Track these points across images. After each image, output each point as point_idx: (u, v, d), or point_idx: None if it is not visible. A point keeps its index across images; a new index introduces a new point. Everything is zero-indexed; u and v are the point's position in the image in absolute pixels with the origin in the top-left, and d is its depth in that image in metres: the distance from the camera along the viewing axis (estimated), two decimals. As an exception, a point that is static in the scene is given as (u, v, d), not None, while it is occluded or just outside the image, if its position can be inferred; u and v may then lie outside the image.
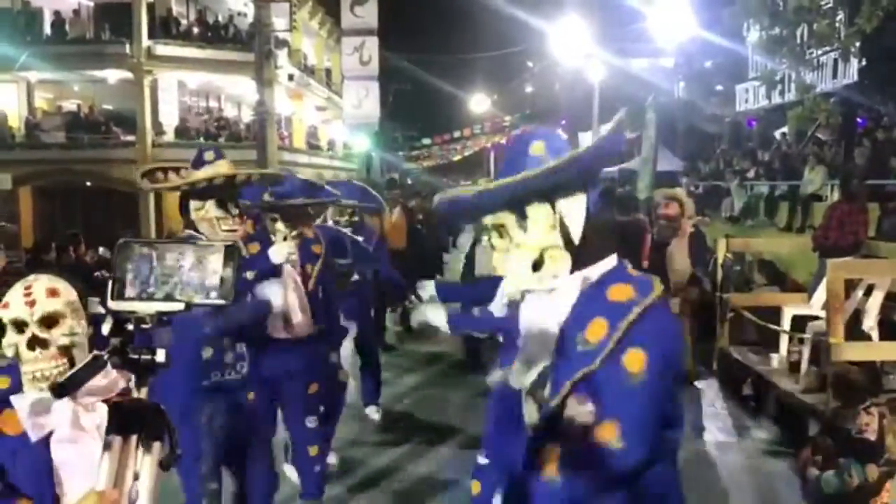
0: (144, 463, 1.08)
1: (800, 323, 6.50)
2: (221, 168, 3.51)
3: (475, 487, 3.08)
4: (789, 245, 10.34)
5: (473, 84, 44.95)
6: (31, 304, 2.04)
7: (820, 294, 6.43)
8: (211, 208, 3.47)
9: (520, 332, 2.09)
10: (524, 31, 30.74)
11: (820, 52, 14.49)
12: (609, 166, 2.35)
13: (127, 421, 1.09)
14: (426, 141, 42.45)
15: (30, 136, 22.84)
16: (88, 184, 22.48)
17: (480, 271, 7.40)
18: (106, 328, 1.08)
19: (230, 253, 1.11)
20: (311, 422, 4.39)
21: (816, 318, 6.27)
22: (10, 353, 2.02)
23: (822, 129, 16.47)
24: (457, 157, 46.76)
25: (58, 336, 2.04)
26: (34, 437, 2.00)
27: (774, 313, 7.07)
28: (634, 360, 1.79)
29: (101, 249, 12.99)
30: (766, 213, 15.72)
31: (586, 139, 28.51)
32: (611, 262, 1.98)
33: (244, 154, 18.20)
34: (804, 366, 6.09)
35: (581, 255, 1.96)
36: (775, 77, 15.96)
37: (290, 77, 24.48)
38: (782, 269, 9.10)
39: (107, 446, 1.08)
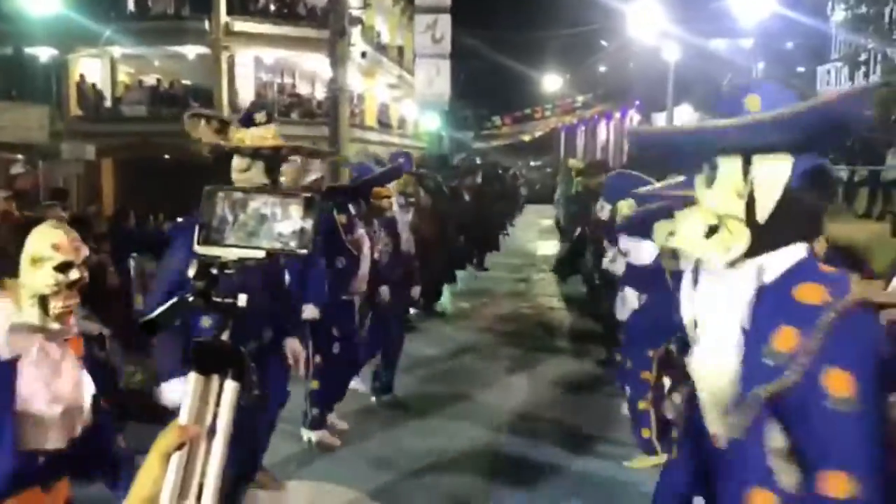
0: (223, 401, 1.15)
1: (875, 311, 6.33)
2: (269, 134, 3.42)
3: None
4: (868, 231, 10.04)
5: (545, 63, 44.54)
6: (77, 249, 2.26)
7: (898, 281, 6.25)
8: (257, 173, 3.39)
9: (683, 316, 1.84)
10: (599, 10, 30.26)
11: (909, 31, 13.93)
12: (840, 138, 2.40)
13: (207, 361, 1.16)
14: (496, 120, 42.28)
15: (113, 110, 23.60)
16: (167, 157, 23.11)
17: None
18: (192, 271, 1.15)
19: (310, 204, 1.17)
20: None
21: (893, 305, 6.09)
22: (48, 290, 2.17)
23: (908, 113, 15.84)
24: (527, 138, 46.44)
25: (84, 278, 2.27)
26: (3, 356, 2.17)
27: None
28: (837, 381, 1.53)
29: (178, 220, 13.38)
30: (844, 199, 15.23)
31: (660, 120, 28.01)
32: (799, 252, 1.69)
33: (317, 130, 18.46)
34: (878, 354, 5.93)
35: (763, 237, 1.67)
36: (859, 58, 15.42)
37: (364, 55, 24.61)
38: (859, 255, 8.86)
39: (189, 384, 1.15)
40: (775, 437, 1.61)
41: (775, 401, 1.58)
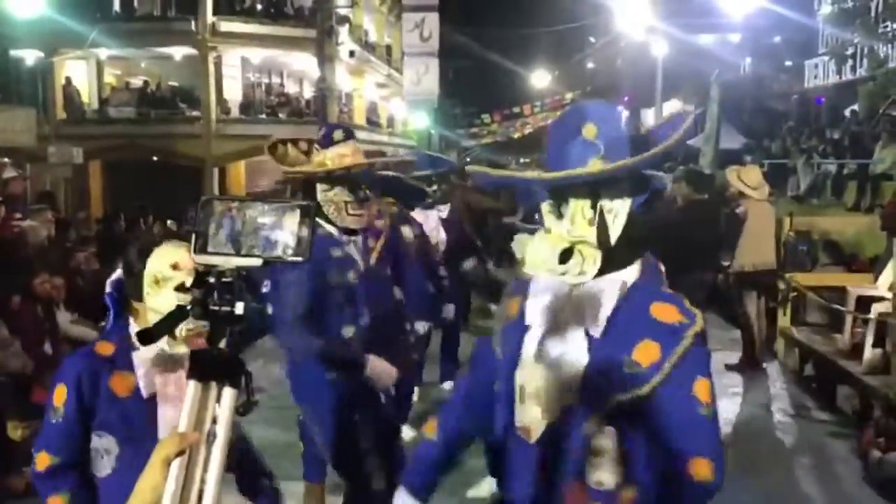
0: (222, 408, 1.16)
1: (865, 304, 6.38)
2: (348, 151, 3.38)
3: None
4: (856, 224, 10.11)
5: (534, 60, 44.60)
6: (190, 271, 2.14)
7: (887, 274, 6.30)
8: (341, 192, 3.33)
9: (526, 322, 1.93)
10: (587, 6, 30.33)
11: (895, 25, 14.00)
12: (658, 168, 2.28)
13: (206, 368, 1.16)
14: (485, 118, 42.25)
15: (100, 112, 23.50)
16: (155, 158, 23.03)
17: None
18: (189, 280, 1.15)
19: (306, 212, 1.17)
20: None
21: (882, 298, 6.14)
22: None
23: (895, 106, 15.95)
24: (516, 135, 46.46)
25: None
26: (146, 394, 2.15)
27: (839, 294, 6.95)
28: (703, 390, 1.77)
29: (168, 222, 13.33)
30: (833, 193, 15.32)
31: (649, 116, 28.08)
32: (637, 268, 1.88)
33: (305, 130, 18.41)
34: (868, 347, 5.98)
35: (615, 257, 1.84)
36: (846, 52, 15.50)
37: (351, 53, 24.63)
38: (848, 248, 8.91)
39: (188, 391, 1.16)
40: (603, 438, 1.80)
41: (632, 405, 1.78)
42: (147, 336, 1.15)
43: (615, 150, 1.81)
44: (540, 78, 44.24)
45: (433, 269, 5.43)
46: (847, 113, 18.77)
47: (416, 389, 5.28)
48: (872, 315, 6.03)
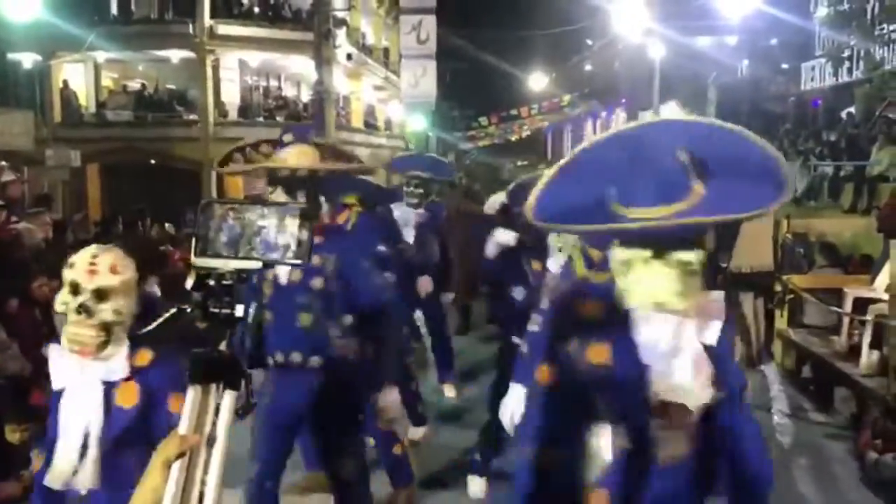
0: (222, 410, 1.17)
1: (862, 305, 6.39)
2: (294, 152, 3.40)
3: None
4: (853, 226, 10.13)
5: (531, 62, 44.55)
6: (93, 273, 2.16)
7: (884, 276, 6.30)
8: (279, 193, 3.38)
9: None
10: (584, 9, 30.33)
11: (891, 27, 14.03)
12: None
13: (206, 371, 1.17)
14: (483, 120, 42.25)
15: (97, 115, 23.48)
16: (153, 162, 23.01)
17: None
18: (189, 283, 1.16)
19: (305, 215, 1.18)
20: None
21: (879, 300, 6.15)
22: (60, 308, 2.17)
23: (892, 108, 15.97)
24: (514, 137, 46.48)
25: (105, 310, 2.15)
26: (56, 387, 2.20)
27: (836, 295, 6.96)
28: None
29: (166, 225, 13.33)
30: (830, 195, 15.35)
31: (645, 119, 28.07)
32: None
33: (303, 133, 18.36)
34: (865, 349, 5.99)
35: (706, 275, 1.85)
36: (843, 54, 15.53)
37: (349, 56, 24.61)
38: (845, 250, 8.93)
39: (188, 394, 1.17)
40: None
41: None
42: (149, 339, 1.16)
43: (709, 174, 1.70)
44: (537, 80, 44.22)
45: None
46: (843, 115, 18.81)
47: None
48: (869, 317, 6.05)
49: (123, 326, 2.16)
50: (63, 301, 2.18)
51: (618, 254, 1.81)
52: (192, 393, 1.16)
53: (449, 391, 6.66)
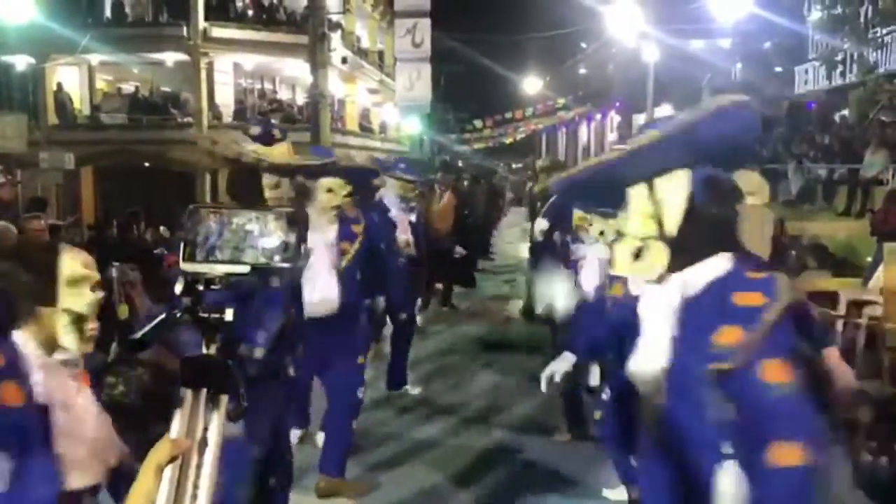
0: (213, 415, 1.16)
1: (855, 308, 6.40)
2: (265, 151, 3.45)
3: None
4: (847, 229, 10.15)
5: (526, 65, 44.59)
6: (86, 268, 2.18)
7: (877, 279, 6.32)
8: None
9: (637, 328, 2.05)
10: (578, 12, 30.36)
11: (884, 30, 14.09)
12: (732, 150, 1.96)
13: (197, 375, 1.17)
14: (477, 123, 42.28)
15: (91, 117, 23.44)
16: (147, 164, 22.98)
17: None
18: (178, 288, 1.16)
19: (293, 219, 1.18)
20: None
21: (873, 302, 6.16)
22: (87, 311, 2.10)
23: (885, 111, 16.03)
24: (508, 140, 46.53)
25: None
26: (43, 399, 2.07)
27: (829, 298, 6.97)
28: (773, 371, 1.75)
29: (161, 228, 13.30)
30: (823, 198, 15.38)
31: (640, 121, 28.14)
32: (722, 264, 1.88)
33: (298, 136, 18.38)
34: (859, 351, 6.00)
35: (681, 254, 1.87)
36: (836, 57, 15.59)
37: (344, 60, 24.60)
38: (838, 253, 8.95)
39: (179, 399, 1.16)
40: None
41: (716, 381, 1.79)
42: (139, 344, 1.16)
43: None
44: (531, 83, 44.26)
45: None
46: (837, 118, 18.86)
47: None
48: (863, 319, 6.06)
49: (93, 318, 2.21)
50: (88, 302, 2.12)
51: None
52: (185, 398, 1.16)
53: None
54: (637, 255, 1.89)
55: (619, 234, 1.99)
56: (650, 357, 1.94)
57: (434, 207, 10.08)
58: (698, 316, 1.84)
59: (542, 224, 5.41)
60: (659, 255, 1.87)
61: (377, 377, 6.74)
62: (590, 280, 4.57)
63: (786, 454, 1.70)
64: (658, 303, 1.93)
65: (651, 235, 1.88)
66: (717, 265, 1.88)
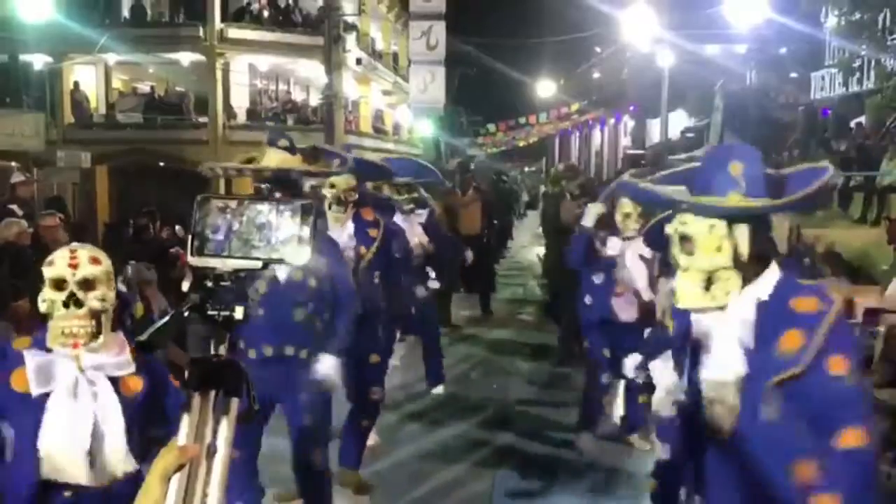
0: (223, 418, 1.11)
1: (872, 316, 6.32)
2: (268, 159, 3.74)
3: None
4: (863, 237, 10.05)
5: (540, 69, 44.47)
6: (75, 266, 2.26)
7: (894, 287, 6.25)
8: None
9: (688, 346, 2.18)
10: (592, 16, 30.27)
11: (903, 37, 13.97)
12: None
13: (206, 377, 1.12)
14: (491, 127, 42.23)
15: (107, 117, 23.55)
16: (162, 164, 23.05)
17: None
18: (186, 284, 1.12)
19: (306, 211, 1.14)
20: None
21: (890, 311, 6.09)
22: (43, 307, 2.20)
23: (903, 119, 15.91)
24: (522, 143, 46.49)
25: (92, 299, 2.25)
26: (35, 392, 2.20)
27: (845, 306, 6.90)
28: (837, 365, 1.95)
29: (177, 227, 13.30)
30: (839, 205, 15.24)
31: (654, 126, 28.03)
32: (775, 272, 2.08)
33: (312, 137, 18.41)
34: (876, 360, 5.92)
35: (749, 272, 2.06)
36: (853, 64, 15.45)
37: (358, 61, 24.63)
38: (854, 261, 8.86)
39: (187, 402, 1.11)
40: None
41: (785, 386, 1.97)
42: (148, 345, 1.12)
43: (754, 189, 2.05)
44: (545, 87, 44.14)
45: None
46: (853, 125, 18.70)
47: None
48: (881, 328, 5.98)
49: (108, 315, 2.29)
50: (47, 299, 2.23)
51: None
52: (193, 401, 1.11)
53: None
54: (707, 286, 2.04)
55: (675, 267, 2.12)
56: (724, 365, 2.07)
57: (459, 210, 9.97)
58: (765, 324, 2.02)
59: (598, 208, 5.13)
60: (734, 282, 2.03)
61: (400, 375, 6.72)
62: (637, 278, 4.66)
63: (854, 437, 1.91)
64: (728, 317, 2.06)
65: (721, 266, 2.03)
66: (774, 274, 2.08)
